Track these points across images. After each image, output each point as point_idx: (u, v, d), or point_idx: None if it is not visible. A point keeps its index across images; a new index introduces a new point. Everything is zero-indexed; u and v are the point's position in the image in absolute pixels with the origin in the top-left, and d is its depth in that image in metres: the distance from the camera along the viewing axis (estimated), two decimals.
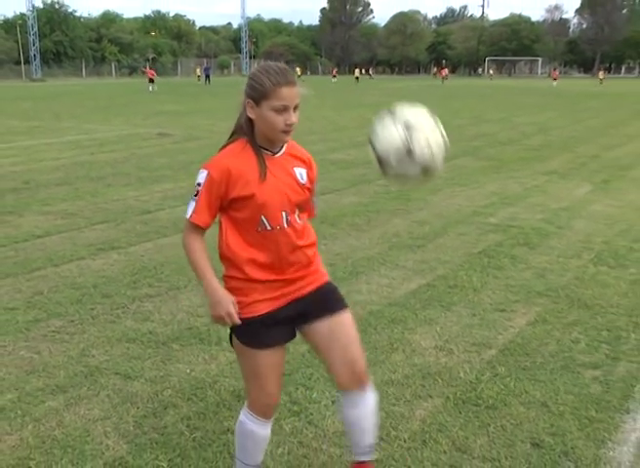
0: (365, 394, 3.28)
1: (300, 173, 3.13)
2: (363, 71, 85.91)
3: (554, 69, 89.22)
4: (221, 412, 4.30)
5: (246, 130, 3.03)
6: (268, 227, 3.04)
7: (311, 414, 4.25)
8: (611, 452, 3.86)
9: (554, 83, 70.94)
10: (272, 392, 3.21)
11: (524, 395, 4.51)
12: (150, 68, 55.28)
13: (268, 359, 3.15)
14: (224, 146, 3.10)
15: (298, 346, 5.22)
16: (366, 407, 3.31)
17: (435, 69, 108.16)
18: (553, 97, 45.90)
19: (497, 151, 17.15)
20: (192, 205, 3.02)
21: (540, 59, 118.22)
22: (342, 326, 3.22)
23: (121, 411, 4.32)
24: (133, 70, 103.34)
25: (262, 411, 3.24)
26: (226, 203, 3.02)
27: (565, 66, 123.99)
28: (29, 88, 57.73)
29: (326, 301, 3.24)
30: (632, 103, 38.18)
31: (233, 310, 3.00)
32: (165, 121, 25.23)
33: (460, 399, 4.45)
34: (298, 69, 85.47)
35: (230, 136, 3.12)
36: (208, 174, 2.98)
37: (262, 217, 3.02)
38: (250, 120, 3.01)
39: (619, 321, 5.80)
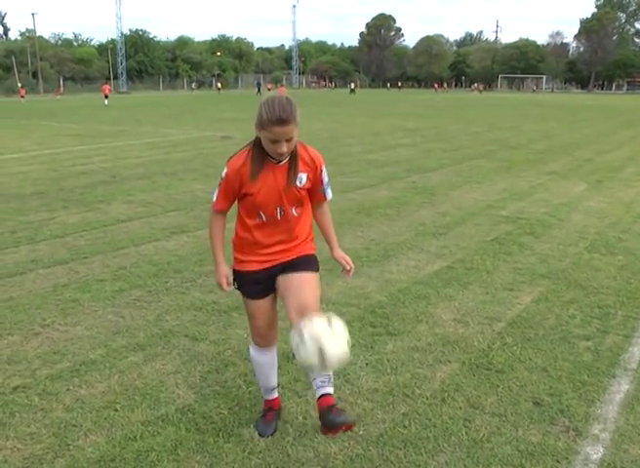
0: None
1: (300, 177, 3.18)
2: (353, 85, 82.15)
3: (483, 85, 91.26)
4: None
5: (256, 141, 3.11)
6: (264, 219, 3.21)
7: (348, 374, 4.23)
8: (599, 410, 3.83)
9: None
10: (261, 328, 3.42)
11: (528, 361, 4.46)
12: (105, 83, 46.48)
13: (256, 305, 3.36)
14: (243, 147, 3.19)
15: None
16: None
17: (436, 85, 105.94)
18: (555, 109, 45.07)
19: (507, 154, 16.90)
20: (215, 193, 3.25)
21: (544, 77, 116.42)
22: (300, 279, 3.23)
23: (189, 367, 4.36)
24: (201, 84, 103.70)
25: (257, 341, 3.49)
26: (240, 196, 3.19)
27: (565, 83, 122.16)
28: (116, 99, 58.15)
29: (297, 264, 3.28)
30: (621, 115, 37.43)
31: (224, 282, 3.32)
32: (227, 126, 25.25)
33: (474, 364, 4.42)
34: (219, 84, 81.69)
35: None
36: (226, 172, 3.15)
37: (260, 212, 3.20)
38: None
39: (608, 300, 5.72)
